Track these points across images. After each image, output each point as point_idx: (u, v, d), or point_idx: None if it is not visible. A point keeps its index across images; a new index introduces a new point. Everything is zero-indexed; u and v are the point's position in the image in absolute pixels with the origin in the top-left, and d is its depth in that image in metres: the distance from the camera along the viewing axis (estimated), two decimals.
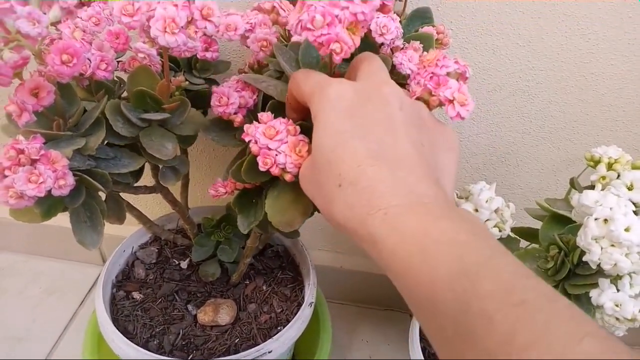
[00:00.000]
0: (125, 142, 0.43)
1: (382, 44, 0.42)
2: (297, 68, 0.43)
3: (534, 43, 0.57)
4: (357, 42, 0.35)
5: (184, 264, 0.64)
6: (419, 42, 0.44)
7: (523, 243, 0.55)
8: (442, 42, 0.48)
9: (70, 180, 0.36)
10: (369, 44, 0.45)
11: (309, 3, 0.32)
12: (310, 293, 0.60)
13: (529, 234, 0.54)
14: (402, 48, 0.44)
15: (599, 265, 0.39)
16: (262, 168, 0.35)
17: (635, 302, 0.41)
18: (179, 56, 0.36)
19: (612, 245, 0.38)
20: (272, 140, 0.34)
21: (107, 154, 0.42)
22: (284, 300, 0.62)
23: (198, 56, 0.49)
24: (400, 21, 0.49)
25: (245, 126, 0.35)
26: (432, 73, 0.38)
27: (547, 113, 0.62)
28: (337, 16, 0.33)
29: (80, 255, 0.87)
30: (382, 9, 0.37)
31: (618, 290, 0.42)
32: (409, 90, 0.40)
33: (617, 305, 0.41)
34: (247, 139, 0.35)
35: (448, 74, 0.38)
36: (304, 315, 0.57)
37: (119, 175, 0.43)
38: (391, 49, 0.44)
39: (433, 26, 0.48)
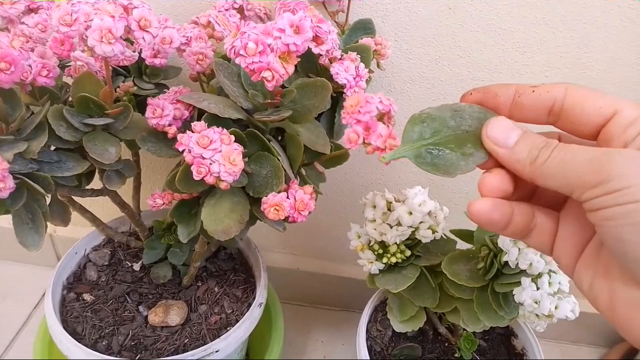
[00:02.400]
0: (70, 146, 0.44)
1: (320, 54, 0.45)
2: (239, 84, 0.44)
3: (474, 55, 0.60)
4: (290, 70, 0.37)
5: (136, 266, 0.65)
6: (356, 53, 0.46)
7: (461, 245, 0.57)
8: (380, 53, 0.50)
9: (10, 183, 0.37)
10: (308, 54, 0.47)
11: (242, 30, 0.34)
12: (260, 294, 0.61)
13: (467, 235, 0.57)
14: (340, 58, 0.46)
15: (517, 265, 0.42)
16: (196, 177, 0.36)
17: (552, 299, 0.44)
18: (117, 65, 0.38)
19: (528, 247, 0.41)
20: (206, 149, 0.36)
21: (51, 157, 0.43)
22: (235, 301, 0.63)
23: (147, 62, 0.50)
24: (343, 31, 0.52)
25: (179, 135, 0.37)
26: (357, 120, 0.39)
27: None
28: (269, 45, 0.35)
29: (35, 258, 0.86)
30: (316, 40, 0.39)
31: (538, 289, 0.45)
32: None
33: (536, 303, 0.44)
34: (180, 148, 0.36)
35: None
36: (252, 315, 0.59)
37: (64, 178, 0.44)
38: (329, 60, 0.46)
39: (372, 37, 0.50)
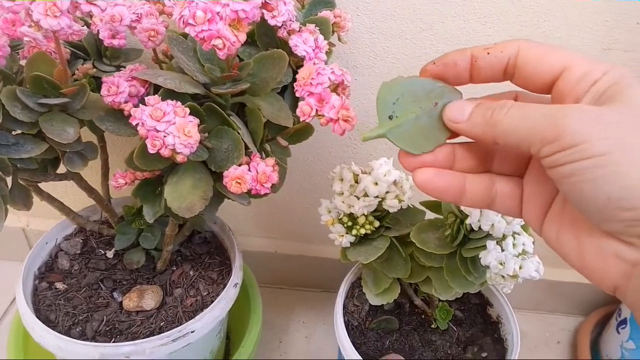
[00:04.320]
0: (29, 129, 0.43)
1: (277, 26, 0.45)
2: (195, 58, 0.44)
3: (436, 27, 0.60)
4: (242, 38, 0.37)
5: (110, 254, 0.65)
6: (314, 25, 0.46)
7: (430, 216, 0.58)
8: (339, 26, 0.50)
9: None
10: (266, 27, 0.47)
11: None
12: (235, 274, 0.62)
13: (436, 206, 0.57)
14: (299, 31, 0.46)
15: (480, 227, 0.43)
16: (151, 150, 0.36)
17: (516, 260, 0.45)
18: (66, 40, 0.37)
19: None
20: (159, 122, 0.36)
21: (8, 140, 0.42)
22: (211, 283, 0.63)
23: (105, 43, 0.49)
24: (303, 6, 0.52)
25: (132, 110, 0.37)
26: (309, 92, 0.39)
27: None
28: (218, 13, 0.35)
29: (8, 254, 0.85)
30: (265, 6, 0.39)
31: (503, 250, 0.46)
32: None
33: (501, 264, 0.45)
34: (134, 122, 0.36)
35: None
36: (228, 295, 0.59)
37: (22, 160, 0.43)
38: (287, 32, 0.46)
39: (332, 10, 0.50)
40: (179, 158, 0.37)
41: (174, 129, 0.36)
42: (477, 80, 0.29)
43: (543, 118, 0.23)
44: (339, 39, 0.52)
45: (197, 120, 0.38)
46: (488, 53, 0.27)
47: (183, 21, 0.34)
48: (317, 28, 0.47)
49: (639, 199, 0.21)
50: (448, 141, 0.29)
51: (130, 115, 0.41)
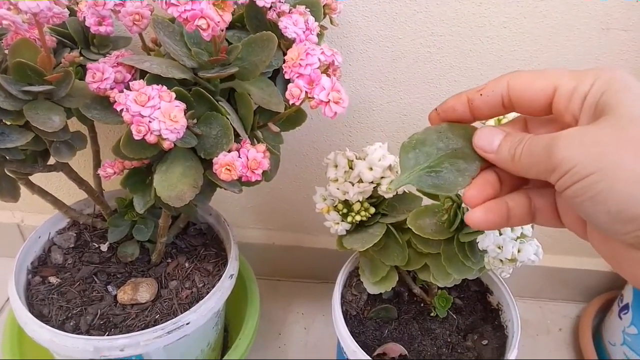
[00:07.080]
0: (13, 117, 0.42)
1: (266, 8, 0.44)
2: (182, 43, 0.43)
3: (430, 9, 0.59)
4: (227, 18, 0.36)
5: (104, 247, 0.64)
6: (304, 6, 0.45)
7: (428, 202, 0.57)
8: (331, 7, 0.49)
9: None
10: (255, 9, 0.46)
11: None
12: (231, 265, 0.61)
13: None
14: (289, 13, 0.45)
15: None
16: (136, 137, 0.35)
17: (514, 243, 0.44)
18: (47, 23, 0.36)
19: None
20: (144, 107, 0.35)
21: None
22: (207, 275, 0.62)
23: (92, 31, 0.48)
24: None
25: (117, 95, 0.36)
26: (299, 73, 0.38)
27: (451, 78, 0.64)
28: None
29: (3, 250, 0.85)
30: None
31: (501, 234, 0.45)
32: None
33: (499, 248, 0.44)
34: (118, 108, 0.35)
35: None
36: (223, 286, 0.58)
37: (8, 151, 0.42)
38: (277, 14, 0.45)
39: None
40: (166, 144, 0.36)
41: (159, 114, 0.35)
42: (480, 118, 0.30)
43: (542, 151, 0.25)
44: (331, 22, 0.51)
45: (183, 105, 0.37)
46: (481, 94, 0.29)
47: (166, 1, 0.33)
48: (308, 10, 0.46)
49: (635, 209, 0.22)
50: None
51: (115, 102, 0.40)
